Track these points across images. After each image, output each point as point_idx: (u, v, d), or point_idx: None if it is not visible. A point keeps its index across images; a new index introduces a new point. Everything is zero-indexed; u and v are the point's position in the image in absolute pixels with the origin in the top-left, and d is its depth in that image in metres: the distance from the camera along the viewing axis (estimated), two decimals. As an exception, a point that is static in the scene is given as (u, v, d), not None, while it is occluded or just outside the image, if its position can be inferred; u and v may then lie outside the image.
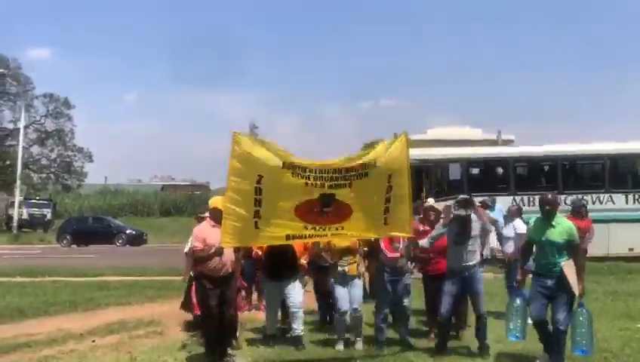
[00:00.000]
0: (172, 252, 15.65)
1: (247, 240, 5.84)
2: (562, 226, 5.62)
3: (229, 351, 6.10)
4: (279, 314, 7.13)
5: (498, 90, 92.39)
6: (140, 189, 50.92)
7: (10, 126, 43.61)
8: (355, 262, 6.54)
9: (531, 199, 14.35)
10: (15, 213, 32.22)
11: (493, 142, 18.19)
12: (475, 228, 6.13)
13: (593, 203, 14.29)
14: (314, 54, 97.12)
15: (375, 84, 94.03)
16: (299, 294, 6.77)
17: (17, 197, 32.68)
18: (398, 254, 6.37)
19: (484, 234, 6.48)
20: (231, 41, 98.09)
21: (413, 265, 7.02)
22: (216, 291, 5.83)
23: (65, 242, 27.73)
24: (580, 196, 13.97)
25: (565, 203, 13.87)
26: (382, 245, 6.40)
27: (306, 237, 5.83)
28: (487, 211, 12.75)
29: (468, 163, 16.05)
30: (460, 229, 6.08)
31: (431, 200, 11.14)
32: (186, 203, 44.61)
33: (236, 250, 5.97)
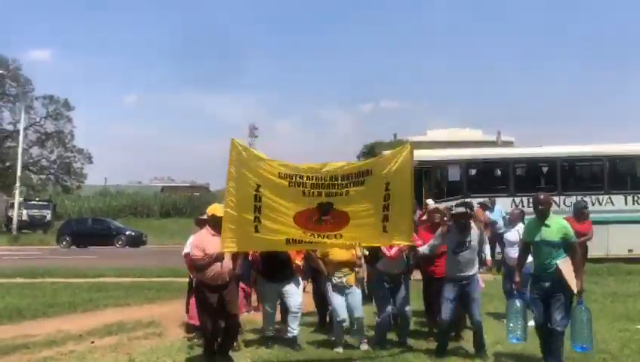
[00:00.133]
0: (172, 253, 15.63)
1: (248, 245, 5.87)
2: (557, 225, 5.58)
3: (230, 353, 6.07)
4: (277, 315, 7.10)
5: (498, 90, 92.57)
6: (140, 191, 51.07)
7: (10, 127, 43.69)
8: (352, 273, 6.53)
9: (531, 200, 14.29)
10: (15, 214, 32.11)
11: (492, 144, 18.21)
12: (474, 238, 6.15)
13: (593, 204, 14.24)
14: (314, 54, 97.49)
15: (375, 84, 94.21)
16: (299, 295, 6.78)
17: (17, 199, 32.57)
18: (397, 249, 6.32)
19: (481, 242, 6.50)
20: (231, 42, 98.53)
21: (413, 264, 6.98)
22: (215, 296, 5.80)
23: (64, 243, 27.67)
24: (579, 198, 13.94)
25: (564, 204, 13.93)
26: (382, 248, 6.38)
27: (306, 242, 5.84)
28: (487, 212, 12.83)
29: (467, 164, 16.00)
30: (460, 238, 6.09)
31: (430, 201, 11.13)
32: (186, 204, 44.60)
33: (235, 257, 5.93)
